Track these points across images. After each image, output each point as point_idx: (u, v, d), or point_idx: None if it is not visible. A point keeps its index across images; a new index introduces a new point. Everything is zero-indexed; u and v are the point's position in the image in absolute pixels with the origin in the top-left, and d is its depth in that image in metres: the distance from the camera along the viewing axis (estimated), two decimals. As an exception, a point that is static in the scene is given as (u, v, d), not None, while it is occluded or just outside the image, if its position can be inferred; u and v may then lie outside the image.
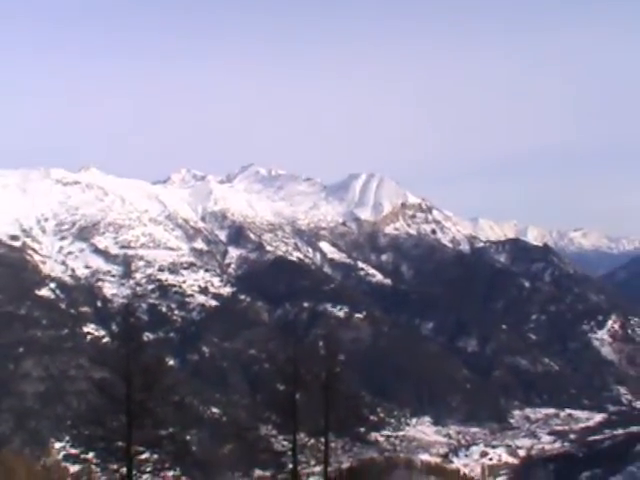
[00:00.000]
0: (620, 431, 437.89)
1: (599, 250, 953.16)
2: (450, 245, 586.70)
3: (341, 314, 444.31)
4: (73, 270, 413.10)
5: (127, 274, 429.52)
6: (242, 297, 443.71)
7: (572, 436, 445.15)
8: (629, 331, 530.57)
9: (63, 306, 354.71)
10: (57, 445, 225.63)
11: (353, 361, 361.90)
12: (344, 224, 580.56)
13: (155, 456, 24.39)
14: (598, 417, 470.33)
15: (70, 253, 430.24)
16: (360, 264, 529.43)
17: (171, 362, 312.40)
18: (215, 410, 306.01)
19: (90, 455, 24.85)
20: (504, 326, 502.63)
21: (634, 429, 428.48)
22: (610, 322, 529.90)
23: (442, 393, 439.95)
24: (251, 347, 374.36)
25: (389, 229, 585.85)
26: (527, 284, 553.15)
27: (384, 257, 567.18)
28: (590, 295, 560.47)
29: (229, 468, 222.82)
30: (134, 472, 23.57)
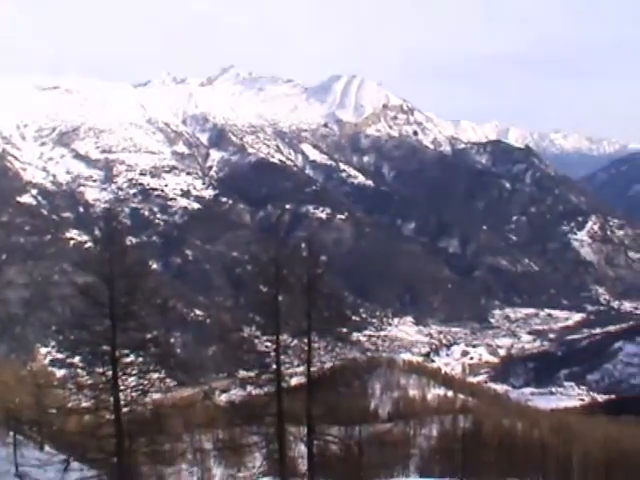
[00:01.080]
0: (598, 330, 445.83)
1: (580, 152, 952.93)
2: (431, 146, 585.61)
3: (323, 216, 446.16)
4: (54, 176, 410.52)
5: (109, 179, 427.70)
6: (224, 200, 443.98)
7: (551, 335, 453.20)
8: (608, 232, 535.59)
9: (45, 212, 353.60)
10: (43, 350, 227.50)
11: (335, 262, 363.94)
12: (325, 126, 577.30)
13: (140, 359, 24.61)
14: (577, 317, 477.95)
15: (51, 159, 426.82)
16: (342, 166, 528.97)
17: (154, 266, 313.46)
18: (199, 312, 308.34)
19: (76, 359, 25.07)
20: (485, 227, 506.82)
21: (612, 328, 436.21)
22: (590, 223, 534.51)
23: (423, 293, 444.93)
24: (234, 249, 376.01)
25: (370, 131, 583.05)
26: (508, 185, 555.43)
27: (366, 159, 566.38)
28: (570, 196, 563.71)
29: (213, 369, 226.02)
30: (119, 375, 23.82)
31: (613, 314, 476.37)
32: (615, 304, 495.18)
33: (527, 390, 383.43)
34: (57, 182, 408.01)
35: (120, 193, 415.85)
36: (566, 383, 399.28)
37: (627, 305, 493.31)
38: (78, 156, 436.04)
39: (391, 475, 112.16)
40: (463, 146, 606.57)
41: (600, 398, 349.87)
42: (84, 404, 24.78)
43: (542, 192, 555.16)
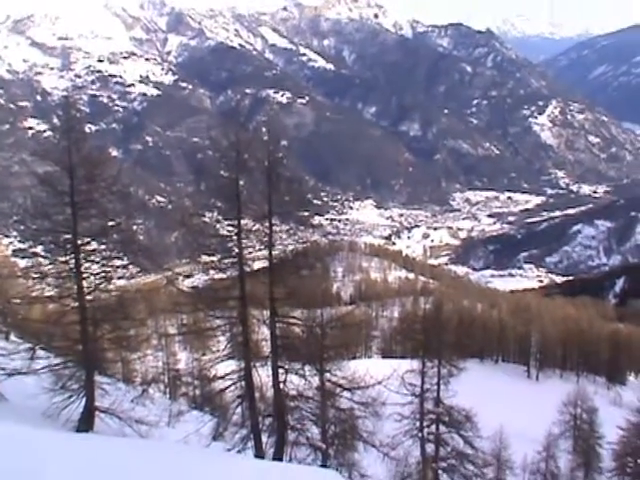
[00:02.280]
0: (557, 213, 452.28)
1: (542, 36, 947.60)
2: (392, 30, 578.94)
3: (283, 100, 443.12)
4: (10, 65, 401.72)
5: (66, 66, 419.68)
6: (184, 85, 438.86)
7: (511, 218, 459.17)
8: (568, 116, 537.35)
9: (2, 102, 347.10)
10: (5, 241, 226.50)
11: (296, 146, 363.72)
12: (285, 9, 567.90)
13: (102, 246, 24.57)
14: (536, 200, 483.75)
15: (6, 47, 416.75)
16: (302, 49, 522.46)
17: (114, 153, 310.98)
18: (160, 199, 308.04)
19: (38, 249, 24.99)
20: (446, 110, 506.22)
21: (571, 211, 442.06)
22: (550, 107, 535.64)
23: (385, 177, 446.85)
24: (194, 135, 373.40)
25: (331, 14, 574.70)
26: (469, 69, 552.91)
27: (326, 42, 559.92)
28: (531, 80, 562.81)
29: (176, 255, 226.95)
30: (82, 263, 23.80)
31: (572, 197, 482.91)
32: (574, 187, 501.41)
33: (487, 272, 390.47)
34: (13, 71, 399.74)
35: (78, 80, 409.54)
36: (525, 265, 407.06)
37: (586, 188, 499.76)
38: (34, 44, 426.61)
39: (354, 356, 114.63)
40: (424, 29, 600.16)
41: (558, 279, 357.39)
42: (48, 293, 24.80)
43: (503, 76, 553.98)
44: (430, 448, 37.32)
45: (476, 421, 36.82)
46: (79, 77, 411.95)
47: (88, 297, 24.26)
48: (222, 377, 26.89)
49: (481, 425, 37.52)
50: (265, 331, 26.73)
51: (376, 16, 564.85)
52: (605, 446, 68.76)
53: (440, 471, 37.66)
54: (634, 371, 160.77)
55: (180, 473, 6.78)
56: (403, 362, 40.35)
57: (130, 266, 25.15)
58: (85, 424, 24.16)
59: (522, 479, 63.39)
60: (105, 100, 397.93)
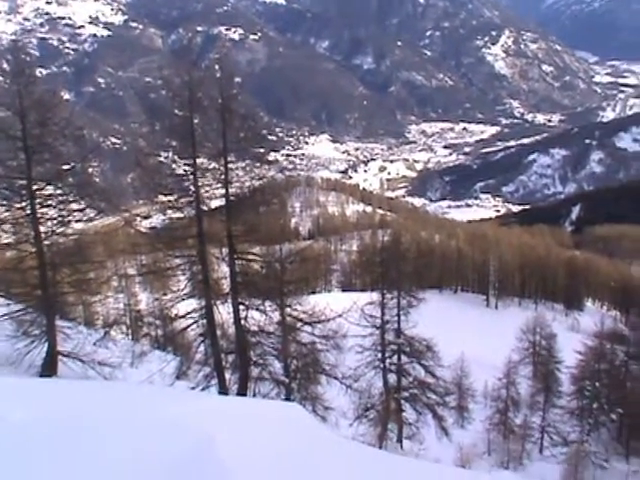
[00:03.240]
0: (512, 143, 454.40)
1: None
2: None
3: (235, 37, 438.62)
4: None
5: (13, 9, 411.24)
6: (134, 25, 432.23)
7: (467, 149, 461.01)
8: (522, 46, 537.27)
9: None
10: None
11: (250, 83, 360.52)
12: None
13: (58, 191, 24.33)
14: (492, 130, 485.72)
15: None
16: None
17: (66, 96, 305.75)
18: (115, 140, 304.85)
19: (-6, 197, 24.73)
20: (399, 42, 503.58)
21: (526, 141, 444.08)
22: (503, 37, 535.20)
23: (339, 111, 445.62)
24: (146, 75, 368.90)
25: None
26: (422, 0, 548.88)
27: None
28: (484, 10, 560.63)
29: (133, 196, 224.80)
30: (38, 208, 23.59)
31: (527, 127, 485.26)
32: (529, 117, 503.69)
33: (444, 203, 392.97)
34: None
35: (26, 24, 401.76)
36: (482, 195, 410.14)
37: (540, 117, 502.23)
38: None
39: (314, 290, 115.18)
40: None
41: (515, 208, 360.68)
42: (5, 240, 24.62)
43: (456, 6, 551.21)
44: (392, 378, 37.85)
45: (437, 350, 37.34)
46: (27, 20, 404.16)
47: (46, 242, 24.10)
48: (183, 316, 26.98)
49: (442, 354, 38.06)
50: (224, 269, 26.77)
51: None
52: (564, 371, 70.19)
53: (403, 401, 38.26)
54: (591, 297, 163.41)
55: (145, 413, 6.88)
56: (363, 295, 40.73)
57: (87, 209, 24.94)
58: (48, 369, 24.16)
59: (483, 406, 64.62)
60: (55, 43, 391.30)
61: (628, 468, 49.85)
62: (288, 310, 28.72)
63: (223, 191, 25.04)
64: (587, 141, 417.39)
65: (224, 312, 26.34)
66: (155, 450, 5.31)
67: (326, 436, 10.38)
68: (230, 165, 24.77)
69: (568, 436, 58.76)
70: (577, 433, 59.49)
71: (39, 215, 23.77)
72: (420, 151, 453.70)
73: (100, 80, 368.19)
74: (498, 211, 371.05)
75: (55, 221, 24.15)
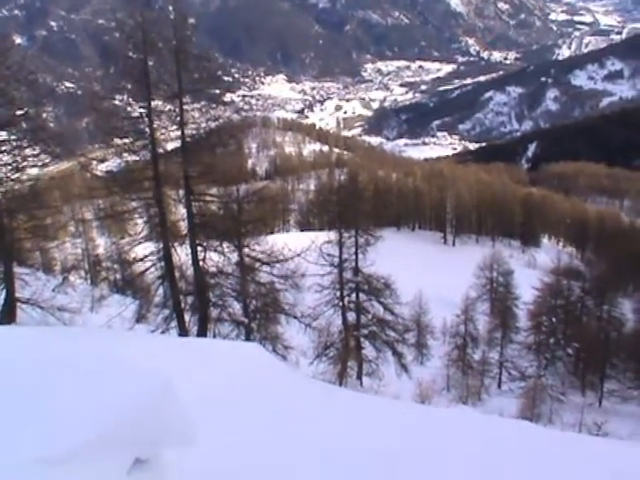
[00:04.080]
0: (469, 81, 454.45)
1: None
2: None
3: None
4: None
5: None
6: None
7: (423, 87, 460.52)
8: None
9: None
10: None
11: (204, 23, 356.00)
12: None
13: (12, 137, 24.05)
14: (448, 68, 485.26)
15: None
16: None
17: (18, 40, 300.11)
18: (69, 85, 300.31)
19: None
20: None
21: (482, 78, 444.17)
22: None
23: (295, 50, 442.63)
24: (99, 17, 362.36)
25: None
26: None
27: None
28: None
29: (88, 140, 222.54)
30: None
31: (483, 65, 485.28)
32: (485, 55, 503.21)
33: (401, 141, 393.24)
34: None
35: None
36: (439, 133, 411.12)
37: (496, 55, 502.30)
38: None
39: (272, 231, 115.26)
40: None
41: (472, 146, 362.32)
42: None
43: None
44: (351, 316, 38.14)
45: (395, 288, 37.59)
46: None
47: (0, 189, 23.89)
48: (141, 259, 26.96)
49: (400, 292, 38.34)
50: (182, 210, 26.73)
51: None
52: (521, 307, 71.29)
53: (362, 338, 38.59)
54: (547, 234, 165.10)
55: (103, 356, 6.91)
56: (321, 234, 40.76)
57: (42, 154, 24.69)
58: (7, 316, 24.10)
59: (442, 342, 65.40)
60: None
61: (584, 401, 50.82)
62: (246, 250, 28.79)
63: (179, 133, 24.93)
64: (543, 79, 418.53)
65: (182, 254, 26.36)
66: (113, 393, 5.35)
67: (286, 374, 10.53)
68: (185, 107, 24.64)
69: (525, 371, 59.84)
70: (534, 368, 60.57)
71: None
72: (376, 90, 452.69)
73: (52, 23, 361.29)
74: (455, 149, 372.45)
75: (9, 167, 23.89)
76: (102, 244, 78.61)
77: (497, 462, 6.72)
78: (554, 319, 64.75)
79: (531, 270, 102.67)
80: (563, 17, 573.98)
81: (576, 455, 7.29)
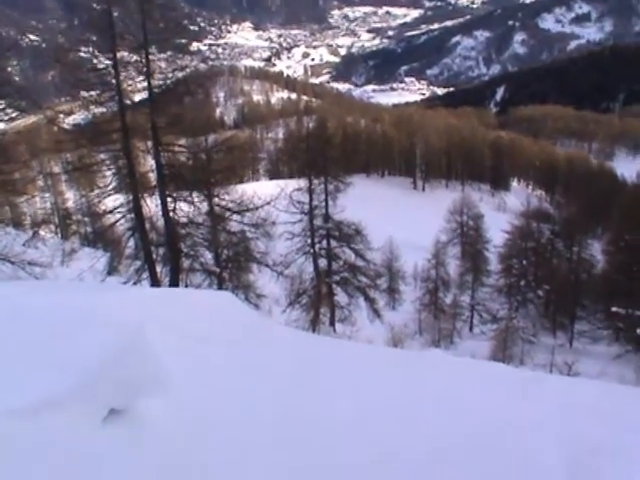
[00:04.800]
0: (436, 26, 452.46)
1: None
2: None
3: None
4: None
5: None
6: None
7: (390, 32, 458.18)
8: None
9: None
10: None
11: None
12: None
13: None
14: (415, 13, 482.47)
15: None
16: None
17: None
18: (33, 38, 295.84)
19: None
20: None
21: (449, 23, 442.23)
22: None
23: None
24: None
25: None
26: None
27: None
28: None
29: (54, 93, 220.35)
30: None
31: (450, 9, 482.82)
32: None
33: (369, 87, 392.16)
34: None
35: None
36: (407, 79, 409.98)
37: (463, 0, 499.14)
38: None
39: (241, 180, 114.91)
40: None
41: (440, 91, 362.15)
42: None
43: None
44: (323, 263, 38.30)
45: (366, 234, 37.74)
46: None
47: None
48: (111, 211, 26.92)
49: (371, 237, 38.50)
50: (151, 162, 26.64)
51: None
52: (492, 250, 71.64)
53: (334, 285, 38.82)
54: (517, 177, 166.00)
55: (73, 308, 6.95)
56: (290, 182, 40.70)
57: (7, 109, 24.50)
58: (-23, 272, 24.06)
59: (414, 287, 65.84)
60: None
61: (555, 342, 51.44)
62: (216, 200, 28.80)
63: (146, 84, 24.77)
64: (510, 22, 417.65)
65: (152, 205, 26.32)
66: (86, 345, 5.41)
67: (259, 322, 10.59)
68: (152, 57, 24.46)
69: (497, 313, 60.38)
70: (505, 310, 61.09)
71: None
72: (343, 36, 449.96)
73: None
74: (423, 94, 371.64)
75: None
76: (71, 197, 78.24)
77: (471, 403, 6.86)
78: (524, 262, 65.24)
79: (501, 213, 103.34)
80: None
81: (548, 394, 7.46)
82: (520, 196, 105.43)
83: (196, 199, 27.48)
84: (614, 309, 50.22)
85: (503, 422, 6.19)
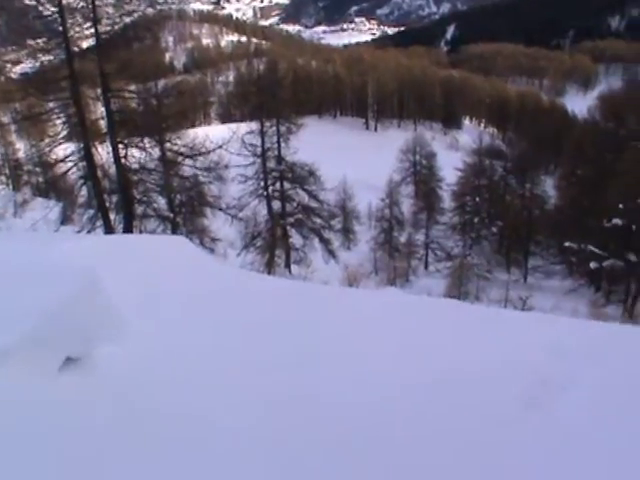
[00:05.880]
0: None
1: None
2: None
3: None
4: None
5: None
6: None
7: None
8: None
9: None
10: None
11: None
12: None
13: None
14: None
15: None
16: None
17: None
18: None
19: None
20: None
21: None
22: None
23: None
24: None
25: None
26: None
27: None
28: None
29: (0, 43, 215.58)
30: None
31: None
32: None
33: (319, 29, 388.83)
34: None
35: None
36: (357, 19, 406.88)
37: None
38: None
39: (193, 124, 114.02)
40: None
41: (390, 31, 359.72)
42: None
43: None
44: (277, 205, 38.45)
45: (319, 175, 37.88)
46: None
47: None
48: (62, 160, 26.79)
49: (324, 178, 38.62)
50: (101, 109, 26.48)
51: None
52: (445, 188, 72.16)
53: (288, 227, 39.02)
54: (469, 115, 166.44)
55: (31, 258, 6.96)
56: (242, 125, 40.57)
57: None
58: None
59: (368, 227, 66.13)
60: None
61: (509, 277, 52.11)
62: (168, 145, 28.77)
63: (93, 30, 24.53)
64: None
65: (104, 153, 26.21)
66: (40, 294, 5.39)
67: (213, 266, 10.60)
68: (98, 3, 24.20)
69: (451, 251, 61.03)
70: (460, 247, 61.82)
71: None
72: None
73: None
74: (374, 34, 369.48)
75: None
76: (22, 148, 77.25)
77: (426, 340, 6.95)
78: (478, 199, 65.80)
79: (454, 152, 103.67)
80: None
81: (503, 329, 7.59)
82: (472, 134, 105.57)
83: (148, 145, 27.40)
84: (567, 244, 51.01)
85: (459, 358, 6.32)
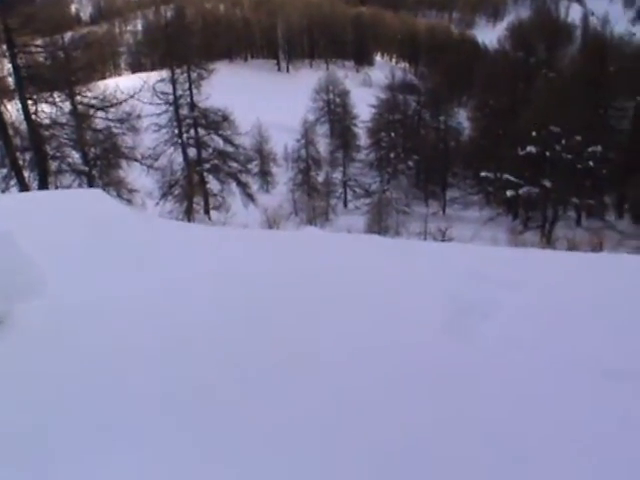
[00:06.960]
0: None
1: None
2: None
3: None
4: None
5: None
6: None
7: None
8: None
9: None
10: None
11: None
12: None
13: None
14: None
15: None
16: None
17: None
18: None
19: None
20: None
21: None
22: None
23: None
24: None
25: None
26: None
27: None
28: None
29: None
30: None
31: None
32: None
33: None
34: None
35: None
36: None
37: None
38: None
39: (103, 76, 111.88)
40: None
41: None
42: None
43: None
44: (192, 152, 38.47)
45: (233, 120, 37.94)
46: None
47: None
48: (-30, 120, 26.41)
49: (239, 123, 38.68)
50: (8, 65, 26.07)
51: None
52: (360, 125, 72.40)
53: (205, 173, 39.10)
54: (380, 51, 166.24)
55: None
56: (153, 74, 40.17)
57: None
58: None
59: (286, 169, 66.19)
60: None
61: (428, 211, 52.80)
62: (78, 98, 28.51)
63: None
64: None
65: (13, 110, 25.92)
66: None
67: (131, 216, 10.44)
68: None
69: (369, 187, 61.62)
70: (378, 184, 62.42)
71: None
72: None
73: None
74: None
75: None
76: None
77: (347, 275, 7.06)
78: (393, 134, 66.34)
79: (367, 89, 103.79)
80: None
81: (423, 260, 7.75)
82: (384, 70, 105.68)
83: (58, 99, 27.11)
84: (483, 174, 52.04)
85: (378, 291, 6.45)
